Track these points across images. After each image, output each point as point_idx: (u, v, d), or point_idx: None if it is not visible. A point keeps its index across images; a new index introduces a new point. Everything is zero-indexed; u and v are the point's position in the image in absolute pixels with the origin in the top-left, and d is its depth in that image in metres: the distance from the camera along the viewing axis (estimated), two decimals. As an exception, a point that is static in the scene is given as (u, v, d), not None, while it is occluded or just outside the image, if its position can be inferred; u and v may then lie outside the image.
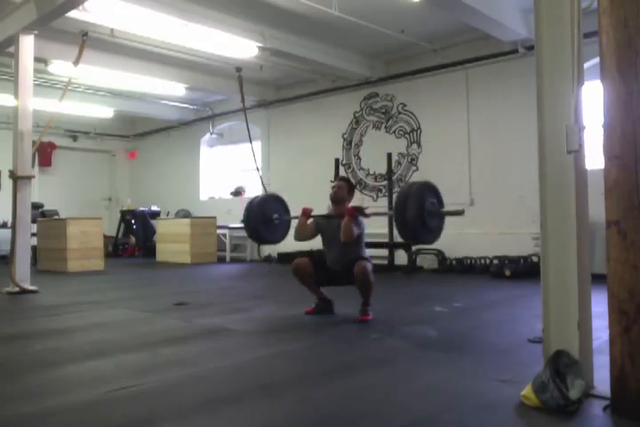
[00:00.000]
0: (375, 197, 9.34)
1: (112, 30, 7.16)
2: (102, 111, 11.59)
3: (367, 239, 4.53)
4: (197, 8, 6.75)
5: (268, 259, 10.38)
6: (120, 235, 12.31)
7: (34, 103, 6.33)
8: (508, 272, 6.94)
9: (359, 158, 9.68)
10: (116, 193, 14.03)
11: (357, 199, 7.87)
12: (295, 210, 4.74)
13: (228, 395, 2.44)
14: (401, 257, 8.15)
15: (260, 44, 7.50)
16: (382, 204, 8.77)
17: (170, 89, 10.02)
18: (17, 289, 5.84)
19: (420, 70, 8.66)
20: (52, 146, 12.65)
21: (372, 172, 9.46)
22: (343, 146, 9.88)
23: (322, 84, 9.90)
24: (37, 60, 7.17)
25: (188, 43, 7.46)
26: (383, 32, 7.51)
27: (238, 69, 7.03)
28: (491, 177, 7.99)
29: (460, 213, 3.94)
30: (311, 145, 10.26)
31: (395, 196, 5.04)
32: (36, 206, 9.01)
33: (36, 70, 7.10)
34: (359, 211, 4.24)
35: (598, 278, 2.54)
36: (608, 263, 2.16)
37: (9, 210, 6.14)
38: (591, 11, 2.72)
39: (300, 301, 4.71)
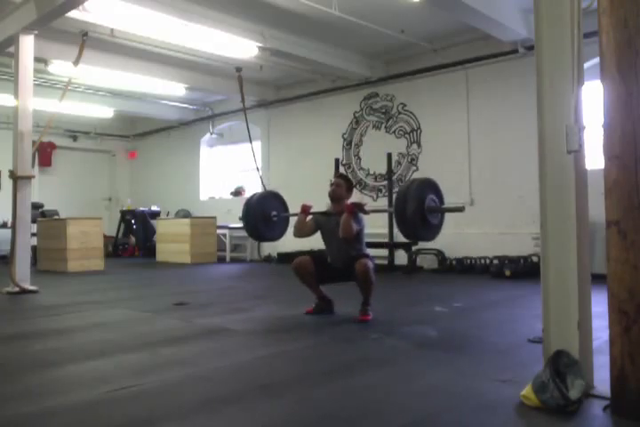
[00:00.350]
0: (375, 197, 9.34)
1: (112, 30, 7.16)
2: (102, 111, 11.59)
3: (367, 239, 4.53)
4: (197, 8, 6.75)
5: (268, 259, 10.39)
6: (120, 235, 12.31)
7: (34, 103, 6.33)
8: (508, 272, 6.94)
9: (359, 158, 9.68)
10: (116, 193, 14.03)
11: (357, 199, 7.86)
12: (295, 210, 4.73)
13: (228, 395, 2.44)
14: (401, 257, 8.15)
15: (260, 44, 7.50)
16: (382, 204, 8.77)
17: (170, 89, 10.02)
18: (17, 289, 5.84)
19: (420, 70, 8.66)
20: (52, 146, 12.65)
21: (371, 172, 9.46)
22: (343, 146, 9.88)
23: (322, 84, 9.91)
24: (37, 60, 7.17)
25: (188, 43, 7.47)
26: (383, 32, 7.51)
27: (238, 69, 7.01)
28: (491, 177, 7.99)
29: (460, 209, 3.94)
30: (311, 145, 10.27)
31: (395, 194, 5.04)
32: (35, 206, 9.01)
33: (36, 70, 7.10)
34: (358, 207, 4.24)
35: (598, 278, 2.54)
36: (608, 263, 2.16)
37: (9, 210, 6.14)
38: (591, 11, 2.72)
39: (300, 301, 4.71)
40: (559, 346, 2.34)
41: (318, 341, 3.59)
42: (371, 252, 4.50)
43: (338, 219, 4.21)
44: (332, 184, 4.45)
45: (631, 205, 2.10)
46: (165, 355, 3.22)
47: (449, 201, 4.20)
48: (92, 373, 2.84)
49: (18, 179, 6.05)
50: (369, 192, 9.44)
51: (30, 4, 5.89)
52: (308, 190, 8.34)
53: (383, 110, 9.32)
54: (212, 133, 12.28)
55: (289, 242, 5.39)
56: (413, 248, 8.05)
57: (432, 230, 3.87)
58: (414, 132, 8.90)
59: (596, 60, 2.28)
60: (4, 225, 10.21)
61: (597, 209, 2.47)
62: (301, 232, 4.45)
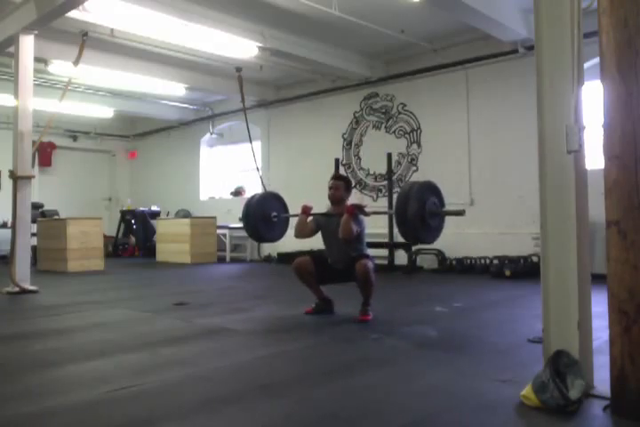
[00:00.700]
0: (375, 197, 9.34)
1: (112, 30, 7.16)
2: (102, 111, 11.59)
3: (368, 239, 4.53)
4: (197, 8, 6.75)
5: (268, 259, 10.39)
6: (120, 235, 12.31)
7: (34, 103, 6.33)
8: (508, 272, 6.94)
9: (359, 158, 9.68)
10: (116, 193, 14.02)
11: (357, 199, 7.87)
12: (295, 210, 4.73)
13: (228, 395, 2.44)
14: (401, 257, 8.15)
15: (260, 44, 7.50)
16: (382, 204, 8.76)
17: (170, 89, 10.02)
18: (17, 289, 5.84)
19: (420, 70, 8.66)
20: (52, 146, 12.65)
21: (371, 172, 9.46)
22: (343, 146, 9.88)
23: (322, 84, 9.91)
24: (37, 60, 7.17)
25: (188, 43, 7.47)
26: (383, 32, 7.51)
27: (238, 69, 7.01)
28: (491, 177, 7.99)
29: (460, 213, 3.93)
30: (311, 145, 10.26)
31: (395, 195, 5.04)
32: (36, 206, 9.00)
33: (36, 70, 7.10)
34: (359, 208, 4.24)
35: (598, 278, 2.54)
36: (608, 263, 2.16)
37: (9, 210, 6.14)
38: (591, 11, 2.72)
39: (300, 301, 4.71)
40: (559, 346, 2.34)
41: (318, 341, 3.59)
42: (371, 252, 4.50)
43: (338, 220, 4.21)
44: (330, 188, 4.44)
45: (631, 205, 2.10)
46: (165, 355, 3.22)
47: (449, 201, 4.20)
48: (92, 373, 2.84)
49: (18, 179, 6.05)
50: (369, 192, 9.44)
51: (30, 4, 5.89)
52: (308, 190, 8.34)
53: (383, 110, 9.32)
54: (211, 133, 12.28)
55: (289, 242, 5.38)
56: (413, 248, 8.04)
57: (432, 233, 3.86)
58: (414, 133, 8.90)
59: (596, 60, 2.28)
60: (4, 225, 10.20)
61: (597, 209, 2.47)
62: (302, 233, 4.45)
